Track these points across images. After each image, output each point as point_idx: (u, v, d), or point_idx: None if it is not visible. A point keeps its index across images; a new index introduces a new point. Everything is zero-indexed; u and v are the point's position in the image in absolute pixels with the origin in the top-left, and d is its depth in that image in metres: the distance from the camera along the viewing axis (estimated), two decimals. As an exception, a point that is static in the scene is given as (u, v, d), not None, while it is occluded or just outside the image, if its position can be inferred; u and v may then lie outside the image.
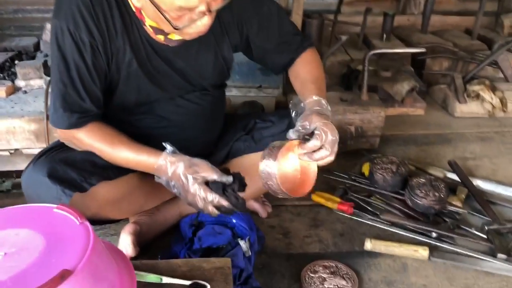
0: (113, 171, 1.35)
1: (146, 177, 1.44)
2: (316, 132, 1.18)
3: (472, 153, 2.10)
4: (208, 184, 1.21)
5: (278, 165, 1.15)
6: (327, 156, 1.20)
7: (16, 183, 2.20)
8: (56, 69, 1.24)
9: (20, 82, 2.13)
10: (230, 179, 1.21)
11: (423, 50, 1.99)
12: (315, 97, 1.28)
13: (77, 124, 1.27)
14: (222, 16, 1.33)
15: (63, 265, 0.79)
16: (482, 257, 1.47)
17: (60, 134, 1.36)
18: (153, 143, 1.31)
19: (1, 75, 2.18)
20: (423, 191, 1.61)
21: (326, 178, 1.81)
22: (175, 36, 1.25)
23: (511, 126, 2.35)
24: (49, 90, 1.89)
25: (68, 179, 1.26)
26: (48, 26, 2.44)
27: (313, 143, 1.17)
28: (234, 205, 1.21)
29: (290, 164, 1.22)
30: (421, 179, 1.66)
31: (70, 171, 1.27)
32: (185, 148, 1.33)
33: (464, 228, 1.59)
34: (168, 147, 1.25)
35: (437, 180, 1.67)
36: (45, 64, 2.15)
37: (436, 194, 1.60)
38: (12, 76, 2.18)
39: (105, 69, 1.28)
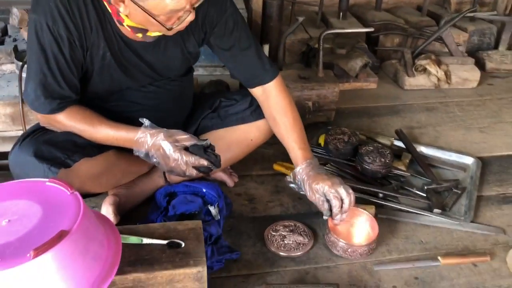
0: (93, 149, 1.48)
1: (123, 154, 1.60)
2: (331, 201, 1.48)
3: (418, 122, 2.32)
4: (187, 149, 1.38)
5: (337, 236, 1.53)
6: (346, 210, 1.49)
7: None
8: (36, 61, 1.34)
9: (-9, 68, 2.21)
10: (208, 142, 1.40)
11: (371, 29, 2.17)
12: (305, 163, 1.55)
13: (58, 109, 1.40)
14: None
15: (60, 227, 0.95)
16: (420, 212, 1.69)
17: (41, 119, 1.47)
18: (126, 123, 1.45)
19: (-28, 61, 2.25)
20: (371, 157, 1.82)
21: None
22: (153, 33, 1.36)
23: (455, 96, 2.58)
24: (23, 75, 2.02)
25: (53, 158, 1.37)
26: (15, 10, 2.50)
27: (338, 217, 1.49)
28: (214, 162, 1.39)
29: (340, 230, 1.57)
30: (369, 147, 1.86)
31: (54, 150, 1.38)
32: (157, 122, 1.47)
33: (407, 189, 1.81)
34: (146, 122, 1.40)
35: (384, 147, 1.88)
36: (15, 49, 2.23)
37: (382, 159, 1.81)
38: (-17, 62, 2.25)
39: (82, 61, 1.39)
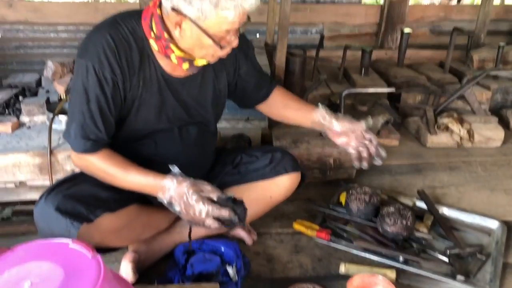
0: (115, 203, 1.52)
1: (144, 208, 1.63)
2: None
3: (440, 182, 2.30)
4: (211, 201, 1.39)
5: None
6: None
7: (17, 210, 2.34)
8: (78, 102, 1.43)
9: (24, 118, 2.29)
10: (234, 195, 1.43)
11: (392, 89, 2.20)
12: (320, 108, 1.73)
13: (91, 149, 1.46)
14: None
15: (81, 292, 0.96)
16: (443, 279, 1.65)
17: (74, 159, 1.52)
18: (152, 169, 1.48)
19: (7, 111, 2.35)
20: (392, 219, 1.80)
21: (308, 207, 1.99)
22: (199, 62, 1.48)
23: (478, 156, 2.55)
24: (53, 126, 2.09)
25: (75, 213, 1.41)
26: (49, 63, 2.63)
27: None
28: (239, 215, 1.39)
29: None
30: (391, 208, 1.85)
31: (77, 205, 1.43)
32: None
33: (429, 252, 1.77)
34: (175, 169, 1.44)
35: (405, 208, 1.86)
36: (47, 101, 2.32)
37: (404, 221, 1.79)
38: (17, 112, 2.35)
39: (121, 104, 1.48)
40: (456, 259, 1.73)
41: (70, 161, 2.10)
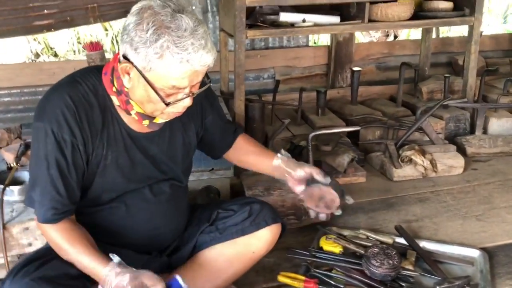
0: (88, 279, 1.38)
1: None
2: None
3: (414, 215, 2.29)
4: None
5: None
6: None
7: None
8: (37, 167, 1.37)
9: (-30, 192, 2.10)
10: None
11: (358, 128, 2.21)
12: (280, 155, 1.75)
13: (51, 219, 1.37)
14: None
15: None
16: (439, 317, 1.61)
17: (38, 226, 1.45)
18: (123, 233, 1.49)
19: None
20: (378, 260, 1.75)
21: (289, 256, 1.91)
22: (159, 120, 1.44)
23: (444, 185, 2.59)
24: (4, 198, 1.93)
25: None
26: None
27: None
28: None
29: None
30: (375, 249, 1.80)
31: None
32: (155, 236, 1.51)
33: (419, 291, 1.73)
34: (115, 258, 1.32)
35: (389, 247, 1.82)
36: (-4, 172, 2.14)
37: (390, 261, 1.74)
38: (-39, 186, 2.15)
39: (83, 167, 1.40)
40: (447, 294, 1.69)
41: (25, 234, 1.93)
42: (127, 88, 1.37)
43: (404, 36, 6.00)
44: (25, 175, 2.12)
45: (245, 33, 2.58)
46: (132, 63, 1.29)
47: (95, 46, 2.88)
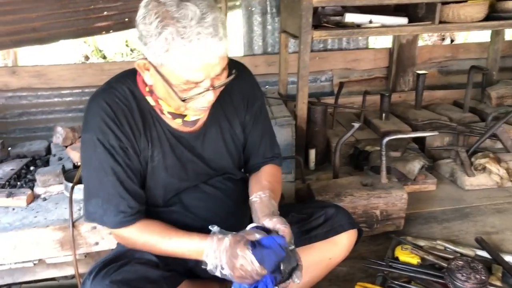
0: (167, 283, 1.35)
1: (196, 285, 1.46)
2: None
3: (493, 227, 2.15)
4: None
5: None
6: None
7: None
8: (95, 177, 1.34)
9: (39, 189, 2.11)
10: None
11: (436, 133, 2.08)
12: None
13: (124, 222, 1.34)
14: (233, 98, 1.47)
15: None
16: None
17: (114, 235, 1.43)
18: (187, 229, 1.38)
19: (19, 183, 2.17)
20: (464, 274, 1.63)
21: (364, 266, 1.81)
22: (190, 118, 1.37)
23: (521, 195, 2.43)
24: (74, 196, 1.92)
25: None
26: (59, 129, 2.47)
27: None
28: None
29: None
30: (459, 262, 1.68)
31: None
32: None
33: (510, 309, 1.60)
34: (215, 228, 1.30)
35: (475, 261, 1.69)
36: (63, 169, 2.15)
37: (477, 276, 1.62)
38: (30, 183, 2.16)
39: (139, 167, 1.37)
40: (542, 314, 1.56)
41: (93, 233, 1.91)
42: (152, 87, 1.32)
43: (461, 40, 5.78)
44: (92, 173, 2.12)
45: (311, 34, 2.51)
46: (146, 58, 1.23)
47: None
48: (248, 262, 1.22)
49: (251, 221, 1.61)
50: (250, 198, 1.51)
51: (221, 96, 1.38)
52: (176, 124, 1.41)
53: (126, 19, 3.71)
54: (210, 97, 1.26)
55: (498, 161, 2.49)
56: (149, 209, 1.44)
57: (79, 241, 1.90)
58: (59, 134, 2.50)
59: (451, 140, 2.78)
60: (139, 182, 1.38)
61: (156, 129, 1.38)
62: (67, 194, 1.97)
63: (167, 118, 1.39)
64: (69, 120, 3.19)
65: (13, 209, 1.98)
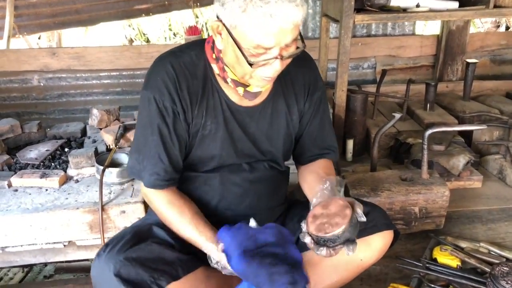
0: (182, 266, 1.35)
1: (213, 274, 1.43)
2: None
3: (546, 230, 2.00)
4: None
5: None
6: None
7: (59, 267, 2.16)
8: (141, 133, 1.41)
9: (72, 171, 2.12)
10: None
11: (484, 127, 1.93)
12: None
13: (155, 185, 1.41)
14: (295, 84, 1.47)
15: None
16: None
17: (143, 193, 1.49)
18: (216, 206, 1.48)
19: (53, 164, 2.18)
20: (509, 282, 1.50)
21: (398, 266, 1.71)
22: (253, 88, 1.36)
23: None
24: (104, 179, 1.92)
25: (138, 281, 1.25)
26: (95, 111, 2.48)
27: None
28: None
29: None
30: (504, 267, 1.55)
31: (140, 271, 1.26)
32: (246, 216, 1.40)
33: (560, 322, 1.46)
34: (253, 222, 1.30)
35: (521, 267, 1.56)
36: (95, 152, 2.15)
37: (524, 284, 1.49)
38: (63, 165, 2.18)
39: (185, 136, 1.41)
40: None
41: (122, 218, 1.92)
42: (221, 53, 1.33)
43: (517, 27, 5.45)
44: (123, 157, 2.11)
45: (353, 18, 2.38)
46: (221, 20, 1.23)
47: (194, 31, 2.85)
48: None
49: (287, 224, 1.56)
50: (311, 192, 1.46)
51: (284, 80, 1.43)
52: (235, 96, 1.41)
53: (166, 2, 3.70)
54: (277, 67, 1.25)
55: (553, 159, 2.31)
56: (187, 174, 1.47)
57: (108, 224, 1.90)
58: (95, 116, 2.51)
59: (501, 134, 2.60)
60: (181, 151, 1.41)
61: (214, 99, 1.40)
62: (98, 177, 1.96)
63: (228, 89, 1.40)
64: (107, 102, 3.21)
65: (46, 190, 2.01)
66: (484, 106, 2.90)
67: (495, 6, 2.46)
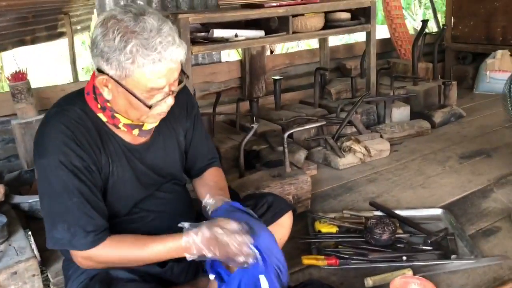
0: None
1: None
2: None
3: (373, 193, 2.62)
4: None
5: None
6: None
7: None
8: (57, 202, 1.33)
9: None
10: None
11: (324, 122, 2.45)
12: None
13: (94, 241, 1.35)
14: (173, 107, 1.50)
15: None
16: (444, 261, 1.92)
17: (83, 261, 1.39)
18: (150, 232, 1.44)
19: None
20: (380, 229, 2.01)
21: (297, 244, 2.06)
22: (148, 126, 1.45)
23: (380, 166, 2.98)
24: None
25: None
26: None
27: None
28: None
29: None
30: (373, 220, 2.05)
31: None
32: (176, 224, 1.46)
33: (416, 247, 2.03)
34: (186, 224, 1.39)
35: (382, 217, 2.09)
36: None
37: (389, 228, 2.01)
38: None
39: (101, 185, 1.41)
40: (438, 244, 2.02)
41: (14, 280, 1.76)
42: (109, 102, 1.38)
43: (278, 50, 6.55)
44: None
45: (190, 50, 2.67)
46: (107, 74, 1.29)
47: (20, 77, 2.70)
48: (229, 231, 1.36)
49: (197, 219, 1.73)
50: (203, 201, 1.61)
51: None
52: (129, 136, 1.47)
53: None
54: (170, 102, 1.36)
55: (359, 141, 3.02)
56: (110, 221, 1.45)
57: None
58: None
59: (315, 131, 3.24)
60: (102, 200, 1.41)
61: (113, 145, 1.44)
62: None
63: (121, 132, 1.45)
64: None
65: None
66: (294, 112, 3.53)
67: (293, 32, 3.09)
